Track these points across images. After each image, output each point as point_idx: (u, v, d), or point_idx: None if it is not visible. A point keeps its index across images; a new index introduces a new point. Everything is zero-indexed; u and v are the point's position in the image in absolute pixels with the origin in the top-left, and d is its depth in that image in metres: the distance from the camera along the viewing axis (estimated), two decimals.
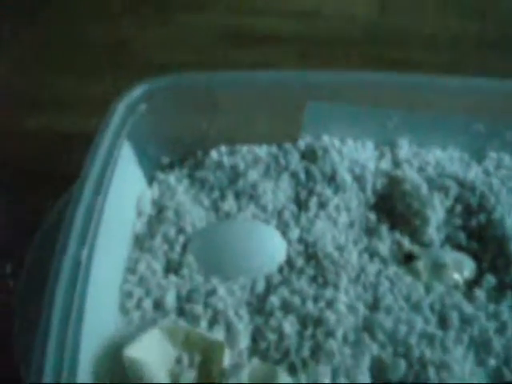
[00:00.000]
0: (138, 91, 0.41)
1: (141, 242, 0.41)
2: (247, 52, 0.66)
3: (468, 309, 0.37)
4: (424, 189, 0.42)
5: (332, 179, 0.42)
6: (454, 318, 0.37)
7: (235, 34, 0.67)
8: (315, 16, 0.70)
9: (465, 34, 0.67)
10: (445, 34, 0.68)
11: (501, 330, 0.37)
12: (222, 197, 0.43)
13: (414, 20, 0.70)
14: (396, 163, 0.44)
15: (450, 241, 0.41)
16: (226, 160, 0.44)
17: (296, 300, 0.38)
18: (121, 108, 0.40)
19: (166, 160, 0.46)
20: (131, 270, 0.39)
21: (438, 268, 0.40)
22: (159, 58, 0.63)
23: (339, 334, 0.36)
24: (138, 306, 0.37)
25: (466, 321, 0.37)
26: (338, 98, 0.44)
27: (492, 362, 0.36)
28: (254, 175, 0.43)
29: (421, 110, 0.44)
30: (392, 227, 0.42)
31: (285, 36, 0.67)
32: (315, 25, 0.69)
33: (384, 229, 0.41)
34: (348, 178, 0.43)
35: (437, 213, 0.41)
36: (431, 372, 0.35)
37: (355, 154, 0.44)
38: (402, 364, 0.35)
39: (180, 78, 0.43)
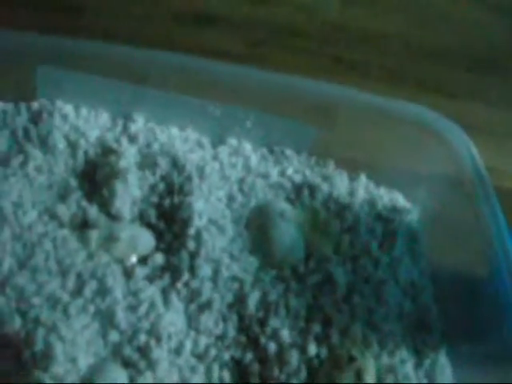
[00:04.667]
0: None
1: None
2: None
3: (110, 282, 0.37)
4: (130, 163, 0.42)
5: (44, 141, 0.43)
6: (88, 287, 0.36)
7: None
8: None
9: None
10: None
11: (134, 307, 0.36)
12: None
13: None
14: (126, 136, 0.44)
15: (142, 217, 0.41)
16: None
17: None
18: None
19: None
20: None
21: (110, 240, 0.39)
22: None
23: None
24: None
25: (100, 292, 0.37)
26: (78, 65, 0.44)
27: (115, 336, 0.36)
28: None
29: (155, 87, 0.44)
30: (89, 195, 0.42)
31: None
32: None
33: (78, 195, 0.41)
34: (61, 142, 0.43)
35: (129, 187, 0.41)
36: (40, 332, 0.34)
37: (80, 122, 0.44)
38: (18, 320, 0.35)
39: None
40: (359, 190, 0.45)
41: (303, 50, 0.66)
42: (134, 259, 0.39)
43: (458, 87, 0.64)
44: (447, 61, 0.67)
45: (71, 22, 0.60)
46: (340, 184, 0.44)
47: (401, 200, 0.45)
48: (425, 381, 0.38)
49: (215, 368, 0.36)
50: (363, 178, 0.46)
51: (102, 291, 0.37)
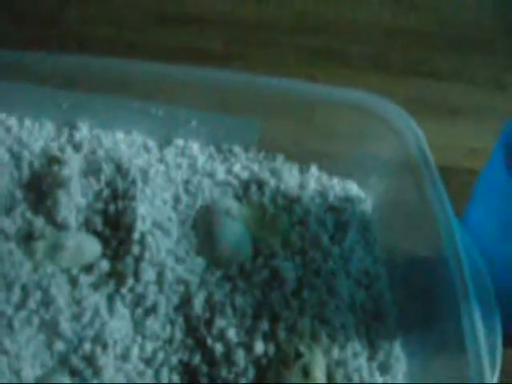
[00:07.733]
0: None
1: None
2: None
3: (53, 292, 0.37)
4: (73, 171, 0.41)
5: None
6: (32, 299, 0.36)
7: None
8: None
9: None
10: None
11: (79, 315, 0.36)
12: None
13: None
14: (71, 144, 0.44)
15: (88, 225, 0.41)
16: None
17: None
18: None
19: None
20: None
21: (56, 250, 0.39)
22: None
23: None
24: None
25: (44, 302, 0.36)
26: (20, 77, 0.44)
27: (60, 346, 0.36)
28: None
29: (98, 94, 0.44)
30: (35, 206, 0.41)
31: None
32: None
33: (23, 207, 0.41)
34: (5, 155, 0.42)
35: (73, 195, 0.40)
36: None
37: (24, 134, 0.44)
38: None
39: None
40: (310, 182, 0.44)
41: (279, 44, 0.66)
42: (79, 268, 0.39)
43: (442, 69, 0.64)
44: (430, 43, 0.67)
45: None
46: (289, 177, 0.44)
47: (354, 189, 0.45)
48: (377, 373, 0.37)
49: (164, 372, 0.36)
50: (314, 170, 0.45)
51: (46, 302, 0.37)
